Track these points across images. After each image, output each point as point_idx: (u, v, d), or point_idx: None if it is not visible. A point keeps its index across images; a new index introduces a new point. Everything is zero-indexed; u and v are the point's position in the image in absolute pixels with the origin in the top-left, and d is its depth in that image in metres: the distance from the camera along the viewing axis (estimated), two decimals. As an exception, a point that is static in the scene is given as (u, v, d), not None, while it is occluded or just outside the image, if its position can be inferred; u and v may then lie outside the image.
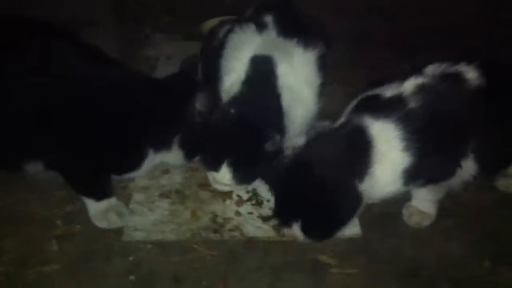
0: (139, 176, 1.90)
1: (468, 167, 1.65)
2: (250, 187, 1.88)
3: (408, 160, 1.57)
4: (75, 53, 1.69)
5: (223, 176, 1.74)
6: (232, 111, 1.72)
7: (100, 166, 1.74)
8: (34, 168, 1.72)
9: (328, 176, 1.54)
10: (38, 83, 1.62)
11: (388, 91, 1.64)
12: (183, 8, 3.35)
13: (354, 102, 1.72)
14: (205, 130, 1.77)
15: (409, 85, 1.62)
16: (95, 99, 1.66)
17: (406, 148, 1.56)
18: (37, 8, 2.72)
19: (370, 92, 1.70)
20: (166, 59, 2.75)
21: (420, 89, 1.61)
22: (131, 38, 2.98)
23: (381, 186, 1.61)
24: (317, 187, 1.54)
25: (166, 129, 1.78)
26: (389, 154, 1.57)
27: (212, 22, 2.69)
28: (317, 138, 1.68)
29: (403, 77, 1.66)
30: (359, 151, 1.58)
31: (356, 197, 1.57)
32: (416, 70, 1.69)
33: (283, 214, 1.66)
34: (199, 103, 1.74)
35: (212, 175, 1.80)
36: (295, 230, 1.61)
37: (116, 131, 1.68)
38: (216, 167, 1.74)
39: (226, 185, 1.79)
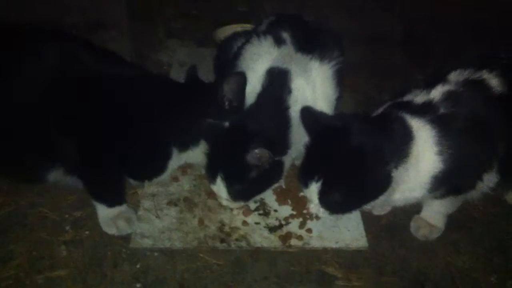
0: (160, 181, 1.89)
1: (489, 179, 1.64)
2: (257, 197, 1.85)
3: (440, 165, 1.55)
4: (93, 56, 1.70)
5: (219, 189, 1.73)
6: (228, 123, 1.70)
7: (122, 170, 1.75)
8: (56, 177, 1.73)
9: (366, 146, 1.49)
10: (60, 86, 1.62)
11: (418, 98, 1.63)
12: (196, 14, 3.36)
13: (382, 108, 1.70)
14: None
15: (437, 92, 1.62)
16: (118, 99, 1.67)
17: (440, 152, 1.54)
18: (48, 10, 2.73)
19: (399, 100, 1.69)
20: (179, 65, 2.75)
21: (449, 96, 1.60)
22: (144, 42, 2.98)
23: (409, 188, 1.59)
24: (351, 154, 1.49)
25: (192, 127, 1.75)
26: (425, 154, 1.54)
27: (225, 30, 2.69)
28: (357, 116, 1.65)
29: (426, 86, 1.66)
30: (400, 136, 1.54)
31: (386, 178, 1.51)
32: (440, 77, 1.68)
33: (307, 170, 1.59)
34: (228, 90, 1.70)
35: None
36: (312, 191, 1.55)
37: (140, 132, 1.68)
38: (211, 180, 1.74)
39: (225, 199, 1.77)
